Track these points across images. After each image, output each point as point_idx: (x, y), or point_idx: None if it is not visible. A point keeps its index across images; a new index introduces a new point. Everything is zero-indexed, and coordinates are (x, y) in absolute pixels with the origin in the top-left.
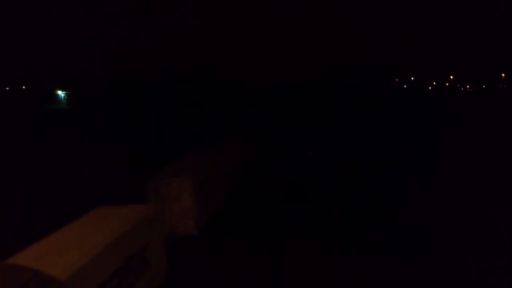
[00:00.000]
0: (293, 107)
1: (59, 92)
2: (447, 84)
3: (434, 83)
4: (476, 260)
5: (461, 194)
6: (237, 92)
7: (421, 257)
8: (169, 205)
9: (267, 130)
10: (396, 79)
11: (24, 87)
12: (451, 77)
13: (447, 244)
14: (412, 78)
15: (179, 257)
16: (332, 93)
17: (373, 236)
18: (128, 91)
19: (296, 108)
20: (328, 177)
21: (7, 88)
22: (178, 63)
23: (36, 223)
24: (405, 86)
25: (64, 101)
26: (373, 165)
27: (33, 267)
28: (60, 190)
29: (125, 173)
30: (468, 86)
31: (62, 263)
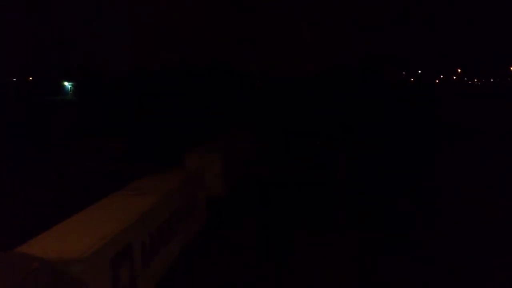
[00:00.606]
0: (300, 102)
1: (66, 84)
2: (454, 77)
3: (442, 76)
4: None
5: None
6: (245, 86)
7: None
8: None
9: (273, 127)
10: (404, 72)
11: (31, 78)
12: (458, 70)
13: (445, 244)
14: (419, 71)
15: (213, 209)
16: (337, 88)
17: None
18: (134, 82)
19: (301, 103)
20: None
21: (14, 79)
22: (184, 55)
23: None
24: (412, 79)
25: (71, 92)
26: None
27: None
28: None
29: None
30: (476, 80)
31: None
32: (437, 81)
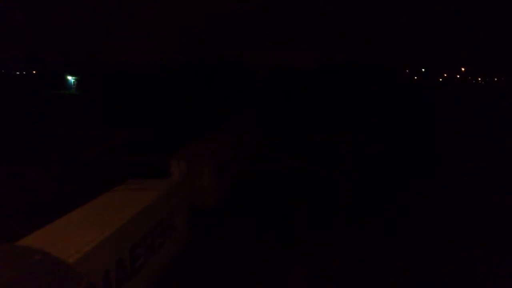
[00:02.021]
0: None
1: (69, 78)
2: (458, 76)
3: (445, 75)
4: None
5: None
6: (246, 79)
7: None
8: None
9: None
10: (407, 70)
11: (34, 72)
12: (463, 69)
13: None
14: (423, 70)
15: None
16: (338, 83)
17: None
18: (137, 77)
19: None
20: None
21: (17, 73)
22: (186, 49)
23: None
24: (415, 77)
25: (74, 86)
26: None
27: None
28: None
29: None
30: (479, 79)
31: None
32: (440, 79)
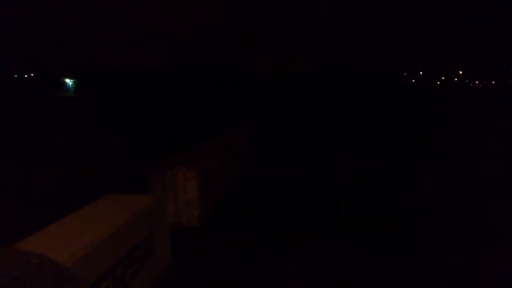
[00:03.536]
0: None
1: (67, 80)
2: (455, 79)
3: (443, 78)
4: None
5: None
6: (245, 83)
7: None
8: None
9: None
10: (405, 73)
11: (32, 74)
12: (460, 72)
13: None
14: (421, 73)
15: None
16: (336, 87)
17: None
18: (135, 79)
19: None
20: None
21: (15, 76)
22: (186, 51)
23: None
24: (413, 80)
25: (72, 89)
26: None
27: (39, 251)
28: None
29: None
30: (477, 82)
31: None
32: (438, 82)
